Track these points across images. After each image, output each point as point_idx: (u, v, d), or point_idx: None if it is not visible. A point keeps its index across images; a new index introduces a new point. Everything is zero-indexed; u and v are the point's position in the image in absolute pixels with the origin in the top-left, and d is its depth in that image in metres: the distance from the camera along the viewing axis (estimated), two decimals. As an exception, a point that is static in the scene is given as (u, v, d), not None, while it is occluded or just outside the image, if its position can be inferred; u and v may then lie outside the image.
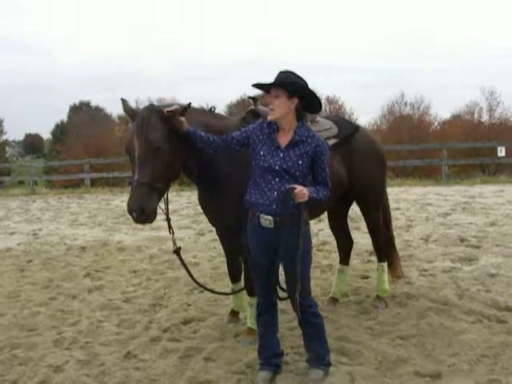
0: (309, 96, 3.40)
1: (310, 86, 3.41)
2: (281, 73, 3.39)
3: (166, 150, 3.52)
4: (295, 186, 3.23)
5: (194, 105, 3.98)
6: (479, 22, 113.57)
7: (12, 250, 8.50)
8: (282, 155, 3.35)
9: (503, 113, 29.40)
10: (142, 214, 3.43)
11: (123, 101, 3.83)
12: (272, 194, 3.33)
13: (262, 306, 3.57)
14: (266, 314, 3.57)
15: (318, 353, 3.55)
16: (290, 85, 3.33)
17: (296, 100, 3.36)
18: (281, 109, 3.34)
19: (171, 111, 3.50)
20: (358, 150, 4.66)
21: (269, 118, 3.41)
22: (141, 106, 3.87)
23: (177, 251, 4.01)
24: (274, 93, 3.35)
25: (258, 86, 3.47)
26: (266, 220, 3.35)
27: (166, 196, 3.82)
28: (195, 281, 4.18)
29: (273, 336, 3.60)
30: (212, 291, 4.58)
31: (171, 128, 3.56)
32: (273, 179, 3.34)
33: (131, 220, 3.57)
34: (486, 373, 3.49)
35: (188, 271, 4.10)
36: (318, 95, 3.44)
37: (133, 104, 3.84)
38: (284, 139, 3.40)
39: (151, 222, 3.55)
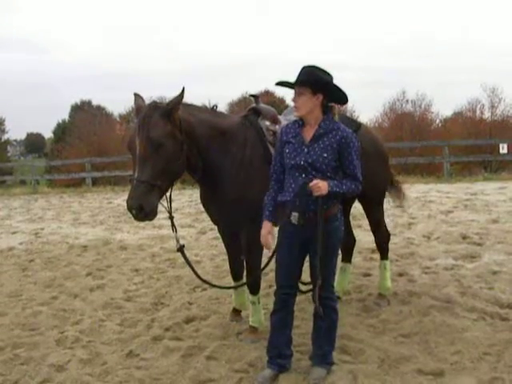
0: (333, 90, 3.39)
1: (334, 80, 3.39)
2: (304, 68, 3.36)
3: (168, 148, 3.50)
4: (312, 179, 3.23)
5: (196, 103, 3.98)
6: (478, 21, 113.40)
7: (14, 250, 8.50)
8: (306, 150, 3.34)
9: (505, 109, 29.30)
10: (141, 211, 3.43)
11: (136, 95, 3.81)
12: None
13: (279, 304, 3.53)
14: (280, 313, 3.53)
15: (323, 349, 3.52)
16: (314, 82, 3.31)
17: (321, 96, 3.34)
18: (306, 106, 3.33)
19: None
20: (360, 147, 4.63)
21: (294, 114, 3.42)
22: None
23: (180, 249, 4.00)
24: (298, 90, 3.34)
25: (281, 84, 3.46)
26: (295, 217, 3.36)
27: (169, 194, 3.82)
28: (200, 277, 4.17)
29: (282, 337, 3.55)
30: (218, 286, 4.59)
31: (174, 125, 3.54)
32: (299, 176, 3.33)
33: (133, 218, 3.58)
34: (489, 371, 3.48)
35: (192, 268, 4.10)
36: (342, 87, 3.41)
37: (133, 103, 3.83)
38: (309, 134, 3.39)
39: (151, 219, 3.55)
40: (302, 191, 3.29)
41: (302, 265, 3.52)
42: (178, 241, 3.98)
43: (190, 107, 3.92)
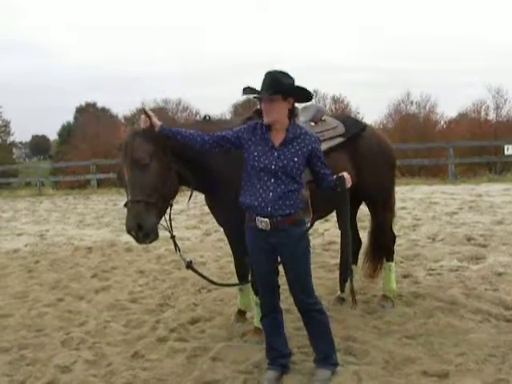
0: (301, 92, 3.42)
1: (299, 83, 3.42)
2: (268, 74, 3.35)
3: (154, 165, 3.55)
4: (343, 173, 3.46)
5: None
6: (480, 20, 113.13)
7: (19, 251, 8.55)
8: (276, 154, 3.35)
9: (510, 110, 29.27)
10: (140, 230, 3.43)
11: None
12: (267, 195, 3.32)
13: (265, 308, 3.58)
14: (270, 316, 3.57)
15: (324, 352, 3.54)
16: (283, 89, 3.30)
17: (291, 99, 3.37)
18: (278, 112, 3.33)
19: (147, 118, 3.57)
20: (366, 148, 4.63)
21: (266, 121, 3.37)
22: (147, 108, 3.86)
23: (189, 265, 3.97)
24: (269, 97, 3.31)
25: (248, 91, 3.42)
26: (263, 222, 3.35)
27: (169, 215, 3.80)
28: (215, 283, 4.25)
29: (278, 337, 3.59)
30: (235, 285, 4.61)
31: (157, 146, 3.57)
32: (268, 180, 3.33)
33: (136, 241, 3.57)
34: (494, 372, 3.48)
35: (207, 279, 4.09)
36: (307, 87, 3.43)
37: (139, 105, 3.88)
38: (277, 138, 3.39)
39: (153, 239, 3.55)
40: (341, 186, 3.44)
41: (277, 261, 3.52)
42: (183, 259, 3.95)
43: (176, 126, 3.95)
